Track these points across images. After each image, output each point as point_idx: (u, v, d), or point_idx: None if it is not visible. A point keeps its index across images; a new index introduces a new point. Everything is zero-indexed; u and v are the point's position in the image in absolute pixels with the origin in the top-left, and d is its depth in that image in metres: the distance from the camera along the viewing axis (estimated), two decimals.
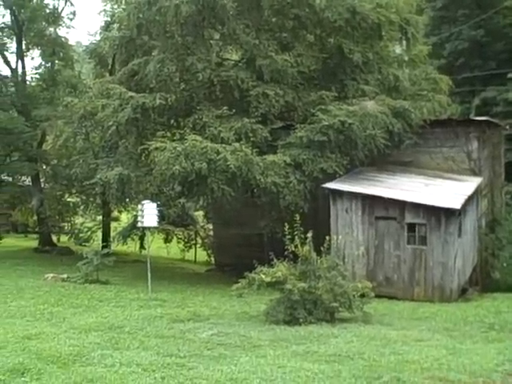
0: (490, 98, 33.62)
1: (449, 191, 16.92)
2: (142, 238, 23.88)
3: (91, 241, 27.48)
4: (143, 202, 15.40)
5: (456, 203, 15.81)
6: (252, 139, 17.80)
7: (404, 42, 22.00)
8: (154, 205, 15.21)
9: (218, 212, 23.19)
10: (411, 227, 15.93)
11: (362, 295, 12.11)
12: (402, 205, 16.02)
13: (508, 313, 13.11)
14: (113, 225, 27.15)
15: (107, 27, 26.75)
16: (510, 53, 33.18)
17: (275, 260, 12.23)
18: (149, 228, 16.44)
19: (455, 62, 35.27)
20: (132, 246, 25.47)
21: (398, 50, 23.23)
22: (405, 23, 20.26)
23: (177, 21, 18.77)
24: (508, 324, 11.75)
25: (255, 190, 18.37)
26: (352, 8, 19.06)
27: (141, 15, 19.43)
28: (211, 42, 20.99)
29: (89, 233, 27.77)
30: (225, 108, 18.34)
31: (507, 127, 24.26)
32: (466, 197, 16.48)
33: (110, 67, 26.27)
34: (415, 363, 8.54)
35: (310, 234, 12.09)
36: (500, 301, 15.09)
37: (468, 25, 34.87)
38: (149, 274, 14.95)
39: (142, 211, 15.04)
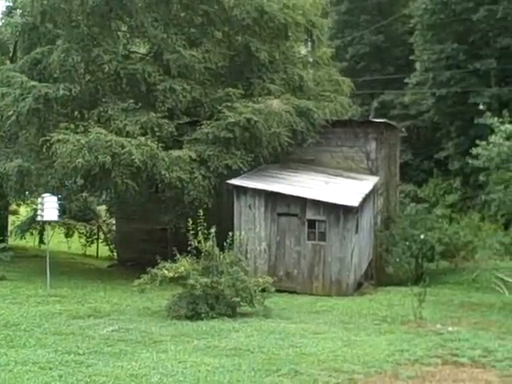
0: (388, 101, 35.17)
1: (347, 189, 17.59)
2: (41, 233, 23.16)
3: None
4: (43, 196, 15.01)
5: (354, 201, 16.47)
6: (158, 134, 17.67)
7: (309, 44, 22.57)
8: (55, 198, 14.87)
9: (121, 206, 22.82)
10: (311, 224, 16.41)
11: (263, 290, 12.42)
12: (303, 202, 16.48)
13: (399, 306, 13.85)
14: (11, 218, 26.09)
15: (9, 13, 25.57)
16: (407, 58, 34.81)
17: (178, 255, 12.31)
18: (49, 222, 16.04)
19: (356, 65, 36.61)
20: (31, 241, 24.62)
21: (303, 51, 23.77)
22: (310, 25, 20.72)
23: (83, 10, 18.30)
24: (399, 316, 12.43)
25: (160, 185, 18.28)
26: (260, 7, 19.29)
27: (45, 2, 18.72)
28: (118, 33, 20.58)
29: None
30: (131, 101, 18.07)
31: (403, 129, 25.51)
32: (364, 195, 17.20)
33: (11, 55, 25.19)
34: (312, 355, 8.90)
35: (213, 230, 12.25)
36: (392, 294, 15.89)
37: (369, 30, 36.26)
38: (47, 269, 14.58)
39: (42, 205, 14.66)
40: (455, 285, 18.55)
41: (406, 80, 33.86)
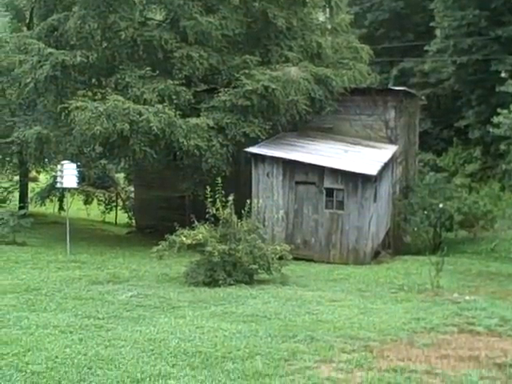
0: (408, 69, 34.61)
1: (366, 158, 17.48)
2: (61, 200, 23.38)
3: (8, 202, 26.57)
4: (63, 163, 15.13)
5: (372, 170, 16.38)
6: (175, 101, 17.64)
7: (327, 10, 22.23)
8: (74, 165, 14.97)
9: (139, 174, 22.94)
10: (329, 192, 16.40)
11: (281, 257, 12.48)
12: (321, 170, 16.43)
13: (416, 274, 13.84)
14: (31, 185, 26.34)
15: None
16: (427, 26, 34.09)
17: (196, 223, 12.36)
18: (68, 189, 16.17)
19: (375, 32, 35.97)
20: (51, 208, 24.87)
21: (321, 17, 23.43)
22: None
23: None
24: (416, 285, 12.39)
25: (178, 153, 18.31)
26: None
27: None
28: (134, 0, 20.44)
29: (5, 193, 26.80)
30: (148, 69, 18.02)
31: (423, 98, 25.16)
32: (383, 164, 17.10)
33: (27, 21, 25.15)
34: (328, 322, 8.93)
35: (231, 198, 12.27)
36: (410, 263, 15.88)
37: None
38: (67, 236, 14.75)
39: (62, 172, 14.77)
40: (473, 254, 18.48)
41: (425, 47, 33.22)
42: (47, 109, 19.58)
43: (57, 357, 6.96)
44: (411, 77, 34.18)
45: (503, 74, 22.45)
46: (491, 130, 16.98)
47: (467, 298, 11.02)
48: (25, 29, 24.55)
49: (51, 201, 23.41)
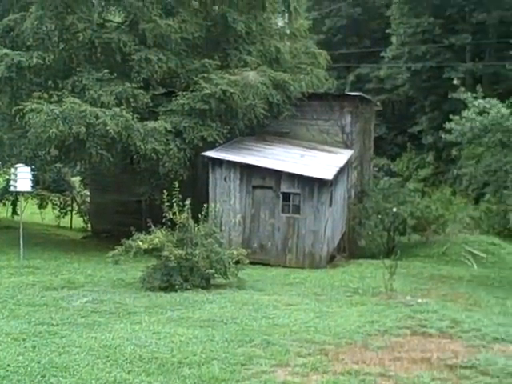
0: (364, 75, 35.25)
1: (322, 163, 17.69)
2: (14, 204, 22.92)
3: None
4: (17, 166, 14.84)
5: (328, 174, 16.59)
6: (133, 104, 17.52)
7: (286, 16, 22.40)
8: (28, 169, 14.71)
9: (95, 178, 22.68)
10: (286, 196, 16.53)
11: (237, 262, 12.54)
12: (278, 174, 16.55)
13: (371, 278, 14.08)
14: None
15: None
16: (383, 32, 34.79)
17: (153, 227, 12.31)
18: (22, 193, 15.86)
19: (333, 38, 36.55)
20: (4, 212, 24.37)
21: (280, 22, 23.61)
22: None
23: None
24: (370, 288, 12.64)
25: (135, 157, 18.14)
26: None
27: None
28: (93, 1, 20.18)
29: None
30: (106, 71, 17.82)
31: (378, 103, 25.60)
32: (338, 168, 17.33)
33: None
34: (285, 326, 9.03)
35: (188, 202, 12.26)
36: (364, 267, 16.14)
37: (347, 2, 36.11)
38: (21, 241, 14.48)
39: (16, 175, 14.51)
40: (426, 258, 18.90)
41: (382, 54, 33.91)
42: (1, 111, 19.20)
43: (9, 365, 6.87)
44: (367, 82, 34.82)
45: (455, 81, 23.01)
46: (443, 135, 17.41)
47: (419, 300, 11.28)
48: None
49: (4, 205, 22.94)
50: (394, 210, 18.90)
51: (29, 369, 6.77)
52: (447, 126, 16.55)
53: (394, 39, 33.76)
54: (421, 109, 32.93)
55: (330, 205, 16.92)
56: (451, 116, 16.54)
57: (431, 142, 30.85)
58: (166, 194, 12.39)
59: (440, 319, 9.63)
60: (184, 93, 17.95)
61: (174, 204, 12.24)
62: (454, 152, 21.33)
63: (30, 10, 18.99)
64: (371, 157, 24.34)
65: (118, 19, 21.04)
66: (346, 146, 19.59)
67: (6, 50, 17.75)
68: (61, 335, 8.21)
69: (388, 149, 33.76)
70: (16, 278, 12.65)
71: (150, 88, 18.78)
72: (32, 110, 16.33)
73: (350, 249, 19.69)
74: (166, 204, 12.27)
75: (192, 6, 20.19)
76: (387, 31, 34.14)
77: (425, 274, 15.57)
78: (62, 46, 19.24)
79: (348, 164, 18.98)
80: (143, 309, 10.04)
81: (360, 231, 19.51)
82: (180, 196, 12.39)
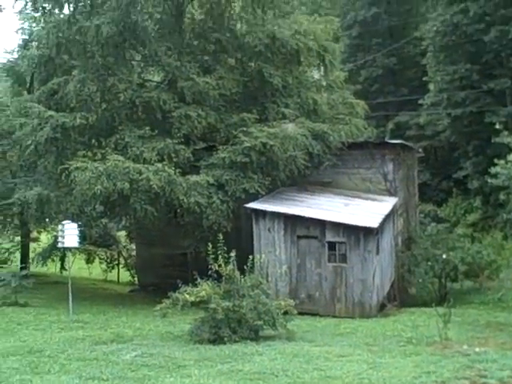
0: (403, 123, 35.16)
1: (367, 211, 17.47)
2: (62, 259, 23.20)
3: (9, 262, 26.38)
4: (64, 223, 15.09)
5: (374, 222, 16.35)
6: (175, 160, 17.79)
7: (322, 68, 22.65)
8: (75, 225, 14.94)
9: (140, 232, 22.89)
10: (332, 245, 16.32)
11: (286, 313, 12.32)
12: (322, 224, 16.40)
13: (424, 327, 13.62)
14: (32, 246, 26.22)
15: (25, 45, 26.04)
16: (420, 80, 34.84)
17: (199, 279, 12.25)
18: (70, 248, 16.06)
19: (370, 87, 36.73)
20: (52, 268, 24.72)
21: (316, 75, 23.86)
22: (322, 50, 20.82)
23: (97, 41, 18.58)
24: (424, 337, 12.21)
25: (178, 210, 18.30)
26: (272, 34, 19.51)
27: (60, 34, 19.12)
28: (133, 62, 20.89)
29: (6, 254, 26.63)
30: (147, 128, 18.24)
31: (420, 150, 25.41)
32: (383, 216, 17.07)
33: (28, 86, 25.58)
34: (337, 379, 8.77)
35: (233, 253, 12.20)
36: (417, 315, 15.64)
37: (381, 53, 36.46)
38: (70, 296, 14.59)
39: (63, 231, 14.74)
40: (480, 305, 18.22)
41: (420, 101, 33.84)
42: (48, 170, 19.69)
43: None
44: (407, 130, 34.69)
45: (498, 126, 22.76)
46: (489, 180, 17.07)
47: (477, 349, 10.84)
48: (25, 93, 24.95)
49: (53, 261, 23.24)
50: (444, 256, 18.44)
51: None
52: (492, 170, 16.24)
53: (431, 86, 33.73)
54: (464, 154, 32.53)
55: (377, 253, 16.61)
56: (496, 160, 16.24)
57: (477, 186, 30.29)
58: (210, 246, 12.37)
59: (500, 369, 9.24)
60: (224, 146, 18.15)
61: (220, 256, 12.19)
62: (501, 196, 20.78)
63: (73, 73, 19.79)
64: (416, 203, 23.98)
65: (157, 78, 21.65)
66: (390, 194, 19.34)
67: (50, 112, 18.36)
68: None
69: (433, 195, 33.27)
70: (66, 332, 12.70)
71: (190, 143, 19.07)
72: (77, 169, 16.70)
73: (400, 297, 19.17)
74: (212, 256, 12.22)
75: (229, 63, 20.67)
76: (424, 79, 34.16)
77: (481, 321, 15.01)
78: (104, 106, 19.84)
79: (393, 211, 18.71)
80: (193, 362, 9.89)
81: (410, 279, 19.04)
82: (225, 248, 12.34)
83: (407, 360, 10.12)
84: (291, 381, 8.66)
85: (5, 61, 27.57)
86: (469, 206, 31.28)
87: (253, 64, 20.32)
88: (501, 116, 29.58)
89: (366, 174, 19.68)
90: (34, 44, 24.05)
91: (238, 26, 20.32)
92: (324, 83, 23.76)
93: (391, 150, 19.96)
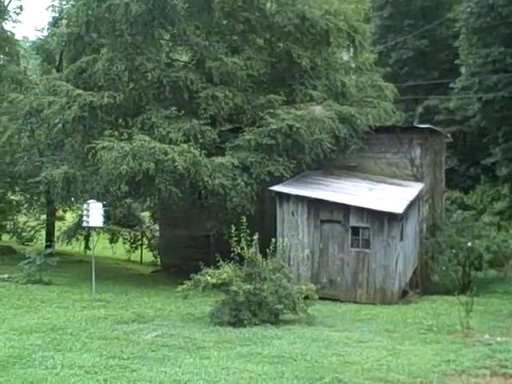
0: (433, 107, 34.58)
1: (392, 196, 17.34)
2: (87, 238, 23.52)
3: (34, 240, 26.86)
4: (89, 202, 15.27)
5: (398, 208, 16.23)
6: (200, 141, 17.82)
7: (351, 49, 22.40)
8: (100, 204, 15.10)
9: (164, 213, 23.07)
10: (355, 230, 16.26)
11: (306, 297, 12.34)
12: (346, 208, 16.33)
13: (446, 315, 13.52)
14: (57, 224, 26.61)
15: (55, 23, 26.27)
16: (451, 63, 34.17)
17: (221, 262, 12.29)
18: (94, 228, 16.27)
19: (400, 70, 36.14)
20: (77, 246, 25.09)
21: (345, 56, 23.61)
22: (353, 31, 20.59)
23: (126, 19, 18.62)
24: (445, 326, 12.13)
25: (203, 192, 18.39)
26: (302, 14, 19.29)
27: (90, 12, 19.17)
28: (161, 42, 20.88)
29: (32, 232, 27.11)
30: (174, 109, 18.28)
31: (448, 135, 25.05)
32: (408, 202, 16.93)
33: (57, 64, 25.80)
34: (356, 364, 8.77)
35: (255, 236, 12.21)
36: (439, 303, 15.53)
37: (413, 35, 35.79)
38: (93, 275, 14.80)
39: (88, 211, 14.91)
40: (504, 294, 17.99)
41: (451, 85, 33.26)
42: (74, 149, 19.91)
43: None
44: (436, 114, 34.12)
45: None
46: None
47: (499, 339, 10.74)
48: (54, 71, 25.14)
49: (77, 239, 23.57)
50: (469, 244, 18.23)
51: None
52: None
53: (463, 70, 33.07)
54: (494, 140, 31.96)
55: (401, 239, 16.50)
56: None
57: (506, 173, 29.81)
58: (233, 228, 12.40)
59: None
60: (250, 128, 18.11)
61: (242, 239, 12.21)
62: None
63: (102, 52, 19.85)
64: (443, 190, 23.69)
65: (185, 58, 21.63)
66: (416, 179, 19.14)
67: (78, 91, 18.49)
68: (131, 369, 8.24)
69: (460, 181, 32.80)
70: (88, 311, 12.90)
71: (216, 124, 19.07)
72: (103, 148, 16.84)
73: (422, 284, 19.05)
74: (234, 239, 12.26)
75: (257, 43, 20.54)
76: (456, 62, 33.51)
77: (504, 311, 14.83)
78: (131, 85, 19.92)
79: (419, 197, 18.52)
80: (212, 344, 9.98)
81: (433, 266, 18.89)
82: (248, 231, 12.36)
83: (427, 348, 10.09)
84: (310, 365, 8.69)
85: (35, 38, 27.86)
86: (496, 193, 30.79)
87: (281, 44, 20.19)
88: None
89: (393, 158, 19.50)
90: (64, 22, 24.25)
91: (268, 5, 20.12)
92: (353, 65, 23.52)
93: (419, 134, 19.73)
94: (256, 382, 7.74)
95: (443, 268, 18.48)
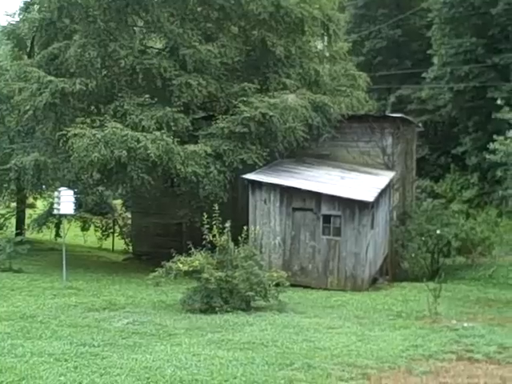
0: (405, 96, 34.88)
1: (363, 184, 17.52)
2: (58, 226, 23.31)
3: (4, 228, 26.51)
4: (60, 189, 15.12)
5: (369, 196, 16.41)
6: (173, 128, 17.72)
7: (325, 38, 22.45)
8: (71, 192, 14.98)
9: (136, 201, 22.98)
10: (327, 218, 16.39)
11: (278, 284, 12.44)
12: (318, 197, 16.45)
13: (414, 301, 13.78)
14: (28, 212, 26.31)
15: (26, 8, 25.72)
16: (424, 53, 34.43)
17: (193, 249, 12.33)
18: (65, 215, 16.13)
19: (373, 59, 36.34)
20: (48, 234, 24.86)
21: (319, 45, 23.66)
22: (327, 20, 20.61)
23: (100, 5, 18.41)
24: (414, 312, 12.37)
25: (175, 180, 18.36)
26: (276, 2, 19.20)
27: None
28: (135, 28, 20.66)
29: (2, 220, 26.76)
30: (147, 96, 18.14)
31: (420, 124, 25.33)
32: (379, 190, 17.12)
33: (28, 50, 25.37)
34: (326, 350, 8.89)
35: (228, 224, 12.27)
36: (408, 290, 15.81)
37: (387, 24, 35.97)
38: (64, 262, 14.71)
39: (59, 198, 14.78)
40: (471, 281, 18.38)
41: (423, 74, 33.53)
42: (45, 136, 19.65)
43: None
44: (409, 104, 34.43)
45: (499, 101, 22.62)
46: (487, 156, 17.06)
47: (465, 324, 10.97)
48: (25, 57, 24.74)
49: (48, 227, 23.35)
50: (438, 231, 18.53)
51: None
52: (491, 146, 16.22)
53: (435, 60, 33.35)
54: (464, 129, 32.36)
55: (372, 227, 16.69)
56: (495, 136, 16.20)
57: (475, 162, 30.22)
58: (206, 216, 12.42)
59: (487, 344, 9.35)
60: (224, 116, 18.10)
61: (214, 226, 12.25)
62: (498, 173, 20.82)
63: (74, 38, 19.56)
64: (413, 178, 24.00)
65: (158, 45, 21.42)
66: (388, 168, 19.37)
67: (50, 77, 18.21)
68: (102, 356, 8.24)
69: (431, 170, 33.20)
70: (59, 299, 12.81)
71: (190, 112, 19.00)
72: (75, 135, 16.67)
73: (392, 272, 19.33)
74: (206, 226, 12.30)
75: (232, 31, 20.47)
76: (428, 52, 33.79)
77: (471, 297, 15.16)
78: (104, 72, 19.71)
79: (390, 186, 18.74)
80: (183, 331, 10.02)
81: (403, 254, 19.16)
82: (220, 218, 12.40)
83: (396, 333, 10.25)
84: (280, 351, 8.77)
85: (6, 24, 27.31)
86: (466, 182, 31.25)
87: (256, 32, 20.12)
88: (503, 91, 29.33)
89: (365, 147, 19.69)
90: (36, 7, 23.76)
91: None
92: (327, 54, 23.56)
93: (391, 123, 19.95)
94: (227, 368, 7.80)
95: (413, 255, 18.77)
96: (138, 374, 7.41)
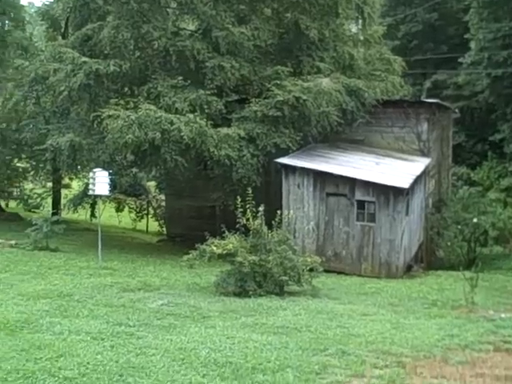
0: (441, 81, 34.27)
1: (398, 170, 17.28)
2: (93, 207, 23.56)
3: (41, 207, 26.93)
4: (95, 170, 15.23)
5: (404, 182, 16.18)
6: (206, 111, 17.68)
7: (360, 22, 22.10)
8: (106, 173, 15.06)
9: (170, 183, 23.07)
10: (361, 204, 16.23)
11: (311, 269, 12.36)
12: (352, 182, 16.28)
13: (450, 290, 13.55)
14: (63, 192, 26.68)
15: None
16: (461, 37, 33.74)
17: (227, 232, 12.31)
18: (100, 196, 16.26)
19: (409, 43, 35.75)
20: (83, 214, 25.18)
21: (353, 29, 23.32)
22: (362, 2, 20.27)
23: None
24: (449, 301, 12.15)
25: (208, 162, 18.32)
26: None
27: None
28: (168, 10, 20.61)
29: (38, 199, 27.19)
30: (180, 78, 18.10)
31: (456, 110, 24.86)
32: (415, 177, 16.87)
33: (62, 30, 25.55)
34: (360, 337, 8.80)
35: (261, 208, 12.20)
36: (443, 278, 15.57)
37: (423, 7, 35.30)
38: (99, 243, 14.84)
39: (94, 179, 14.88)
40: (509, 271, 17.99)
41: (460, 60, 32.90)
42: (80, 117, 19.80)
43: (88, 363, 6.99)
44: (445, 89, 33.81)
45: None
46: None
47: (503, 315, 10.77)
48: (60, 38, 24.90)
49: (83, 208, 23.64)
50: (475, 220, 18.20)
51: (107, 368, 6.87)
52: None
53: (472, 44, 32.68)
54: (502, 116, 31.68)
55: (407, 214, 16.48)
56: None
57: None
58: (239, 199, 12.37)
59: None
60: (257, 100, 17.97)
61: (248, 210, 12.20)
62: None
63: (108, 19, 19.60)
64: (450, 165, 23.60)
65: (191, 27, 21.33)
66: (423, 154, 19.05)
67: (84, 59, 18.28)
68: (137, 336, 8.30)
69: (467, 157, 32.63)
70: (95, 278, 12.93)
71: (223, 95, 18.91)
72: (109, 117, 16.73)
73: (427, 259, 19.10)
74: (240, 210, 12.25)
75: (265, 13, 20.27)
76: (465, 36, 33.09)
77: (508, 287, 14.86)
78: (137, 53, 19.73)
79: (425, 172, 18.45)
80: (217, 313, 10.03)
81: (438, 242, 18.88)
82: (253, 202, 12.34)
83: (431, 322, 10.11)
84: (314, 336, 8.72)
85: (40, 4, 27.55)
86: (503, 170, 30.65)
87: (289, 15, 19.88)
88: None
89: (400, 132, 19.39)
90: None
91: None
92: (361, 37, 23.24)
93: (426, 109, 19.59)
94: (261, 351, 7.77)
95: (448, 243, 18.46)
96: (173, 355, 7.44)
